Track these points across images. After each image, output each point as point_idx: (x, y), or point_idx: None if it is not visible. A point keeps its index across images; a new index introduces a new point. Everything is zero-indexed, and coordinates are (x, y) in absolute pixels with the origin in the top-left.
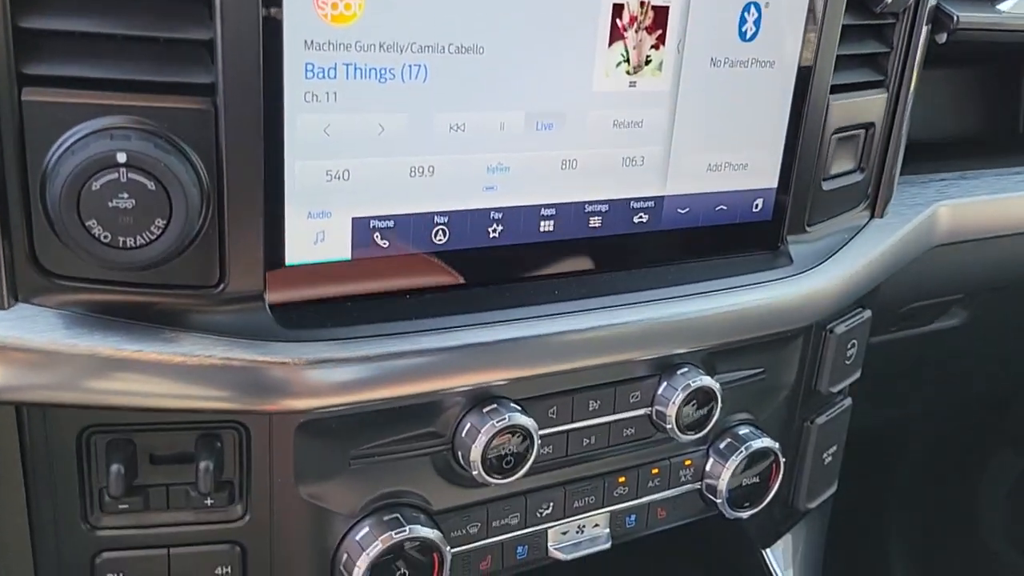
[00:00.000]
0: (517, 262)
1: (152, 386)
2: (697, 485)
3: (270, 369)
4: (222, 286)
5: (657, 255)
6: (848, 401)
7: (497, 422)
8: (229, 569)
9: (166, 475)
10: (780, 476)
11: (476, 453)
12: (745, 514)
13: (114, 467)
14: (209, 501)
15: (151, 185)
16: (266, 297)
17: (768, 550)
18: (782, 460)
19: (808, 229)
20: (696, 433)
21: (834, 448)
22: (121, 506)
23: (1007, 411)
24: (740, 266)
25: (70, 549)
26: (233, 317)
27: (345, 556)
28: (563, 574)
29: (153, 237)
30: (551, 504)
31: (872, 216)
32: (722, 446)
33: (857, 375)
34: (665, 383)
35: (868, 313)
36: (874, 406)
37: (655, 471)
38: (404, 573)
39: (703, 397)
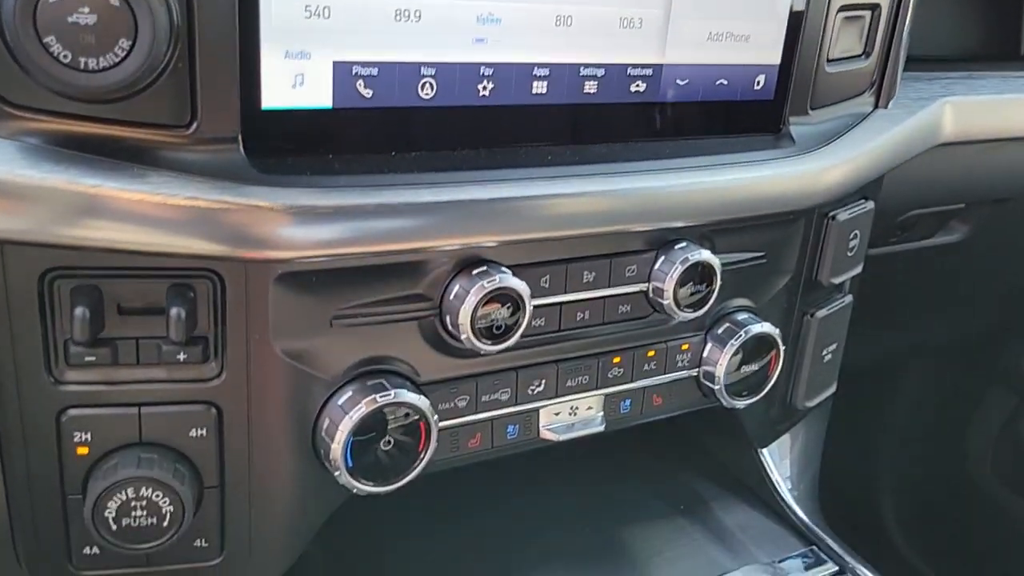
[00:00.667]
0: (508, 125)
1: (118, 224)
2: (694, 372)
3: (245, 213)
4: (194, 126)
5: (655, 129)
6: (849, 298)
7: (487, 283)
8: (204, 431)
9: (135, 327)
10: (780, 365)
11: (465, 316)
12: (742, 403)
13: (79, 310)
14: (182, 356)
15: (115, 0)
16: (240, 140)
17: (765, 450)
18: (782, 347)
19: (811, 112)
20: (694, 312)
21: (834, 346)
22: (88, 358)
23: (1002, 347)
24: (741, 145)
25: (34, 405)
26: (206, 157)
27: (327, 422)
28: (557, 469)
29: (117, 60)
30: (543, 382)
31: (877, 106)
32: (720, 331)
33: (858, 269)
34: (663, 258)
35: (871, 204)
36: (869, 339)
37: (651, 353)
38: (389, 442)
39: (702, 273)
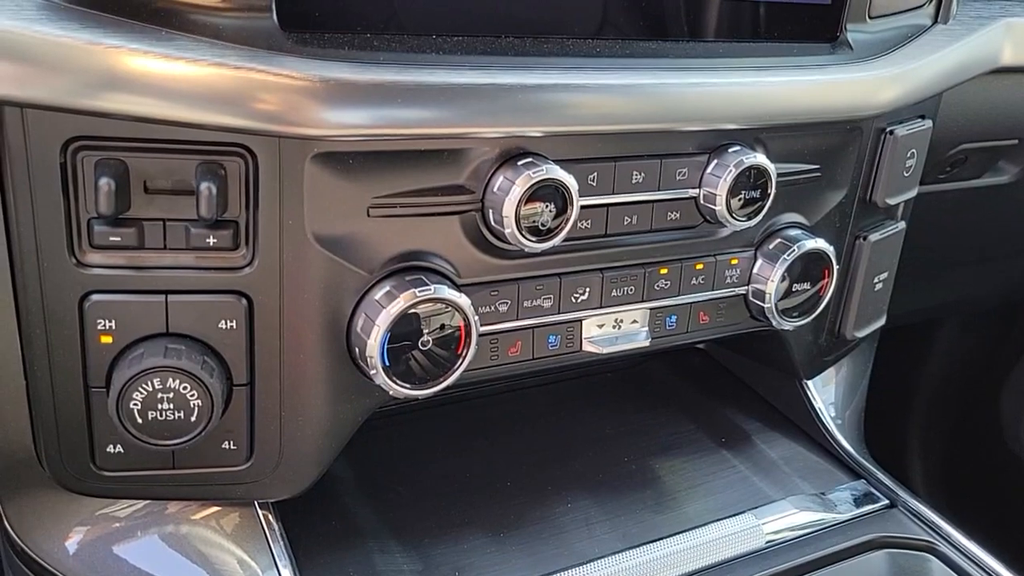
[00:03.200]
0: (557, 14)
1: (142, 89)
2: (743, 290)
3: (277, 84)
4: None
5: (709, 28)
6: (902, 225)
7: (533, 173)
8: (234, 324)
9: (163, 208)
10: (832, 284)
11: (510, 209)
12: (792, 324)
13: (103, 180)
14: (211, 240)
15: None
16: (274, 8)
17: (810, 383)
18: (835, 266)
19: (869, 20)
20: (747, 221)
21: (885, 275)
22: (112, 239)
23: None
24: (798, 49)
25: (56, 289)
26: (239, 23)
27: (362, 319)
28: (596, 398)
29: None
30: (587, 290)
31: (936, 21)
32: (771, 247)
33: (913, 192)
34: (715, 161)
35: (929, 123)
36: (906, 292)
37: (699, 266)
38: (427, 342)
39: (755, 180)
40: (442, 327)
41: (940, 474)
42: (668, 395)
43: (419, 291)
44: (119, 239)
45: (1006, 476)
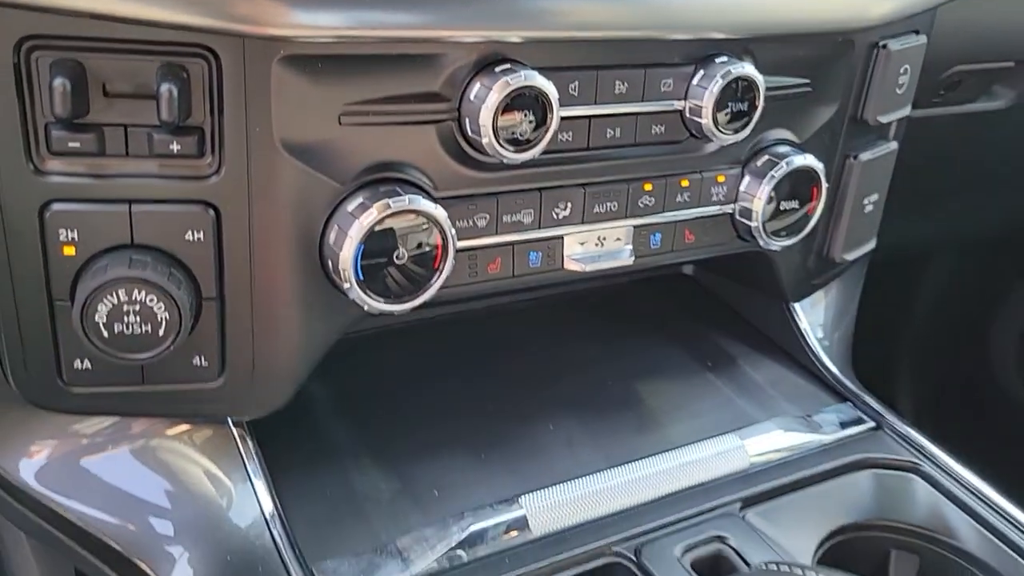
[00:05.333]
0: None
1: None
2: (729, 208)
3: None
4: None
5: None
6: (894, 145)
7: (511, 79)
8: (201, 235)
9: (123, 113)
10: (821, 203)
11: (487, 117)
12: (780, 244)
13: (58, 80)
14: (175, 147)
15: None
16: None
17: (797, 307)
18: (824, 184)
19: None
20: (734, 135)
21: (875, 196)
22: (71, 144)
23: None
24: None
25: (15, 197)
26: None
27: (335, 231)
28: (582, 323)
29: None
30: (568, 205)
31: None
32: (759, 163)
33: (906, 111)
34: (702, 72)
35: (923, 39)
36: (897, 224)
37: (684, 183)
38: (402, 256)
39: (743, 92)
40: (418, 242)
41: (929, 405)
42: (654, 320)
43: (393, 201)
44: (78, 145)
45: (994, 407)
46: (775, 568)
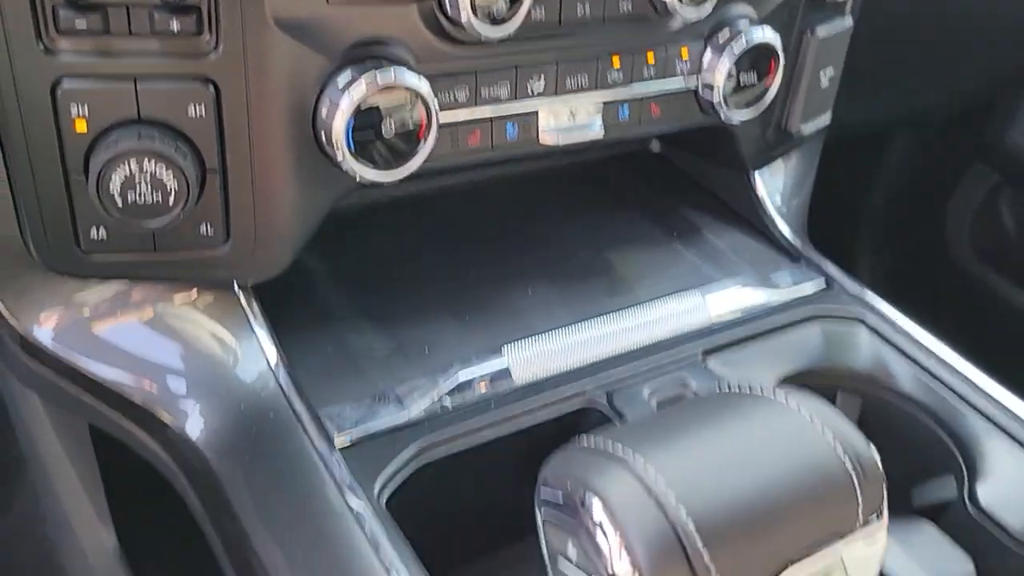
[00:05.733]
0: None
1: None
2: (693, 83)
3: None
4: None
5: None
6: (850, 21)
7: None
8: (203, 110)
9: None
10: (779, 77)
11: None
12: (740, 116)
13: None
14: (175, 26)
15: None
16: None
17: (757, 177)
18: (781, 58)
19: None
20: (696, 9)
21: (831, 70)
22: (78, 23)
23: (987, 122)
24: None
25: (28, 77)
26: None
27: (327, 104)
28: (553, 199)
29: None
30: (542, 78)
31: None
32: (720, 39)
33: None
34: None
35: None
36: (854, 104)
37: (650, 58)
38: (389, 130)
39: None
40: (404, 117)
41: (887, 281)
42: (625, 195)
43: (380, 74)
44: (84, 24)
45: (949, 284)
46: (737, 391)
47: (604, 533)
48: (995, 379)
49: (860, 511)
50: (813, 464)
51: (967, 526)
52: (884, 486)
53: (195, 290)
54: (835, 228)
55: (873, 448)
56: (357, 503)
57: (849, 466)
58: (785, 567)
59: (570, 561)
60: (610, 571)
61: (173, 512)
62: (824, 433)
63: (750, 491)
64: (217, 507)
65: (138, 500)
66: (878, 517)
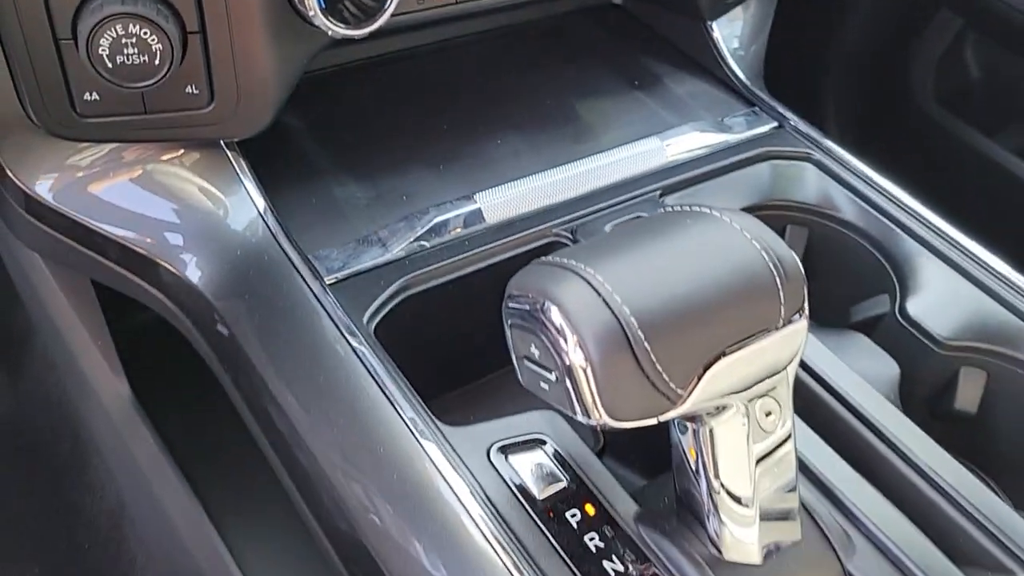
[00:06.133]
0: None
1: None
2: None
3: None
4: None
5: None
6: None
7: None
8: None
9: None
10: None
11: None
12: None
13: None
14: None
15: None
16: None
17: (715, 26)
18: None
19: None
20: None
21: None
22: None
23: None
24: None
25: None
26: None
27: None
28: (515, 53)
29: None
30: None
31: None
32: None
33: None
34: None
35: None
36: None
37: None
38: None
39: None
40: None
41: (851, 128)
42: (588, 49)
43: None
44: None
45: (913, 130)
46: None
47: (560, 333)
48: (955, 224)
49: (783, 309)
50: (741, 267)
51: (897, 335)
52: (804, 287)
53: (183, 149)
54: (799, 76)
55: (795, 254)
56: (349, 331)
57: (772, 268)
58: (718, 357)
59: (534, 360)
60: (567, 364)
61: (182, 361)
62: (752, 241)
63: (685, 291)
64: (222, 343)
65: (148, 354)
66: (800, 316)
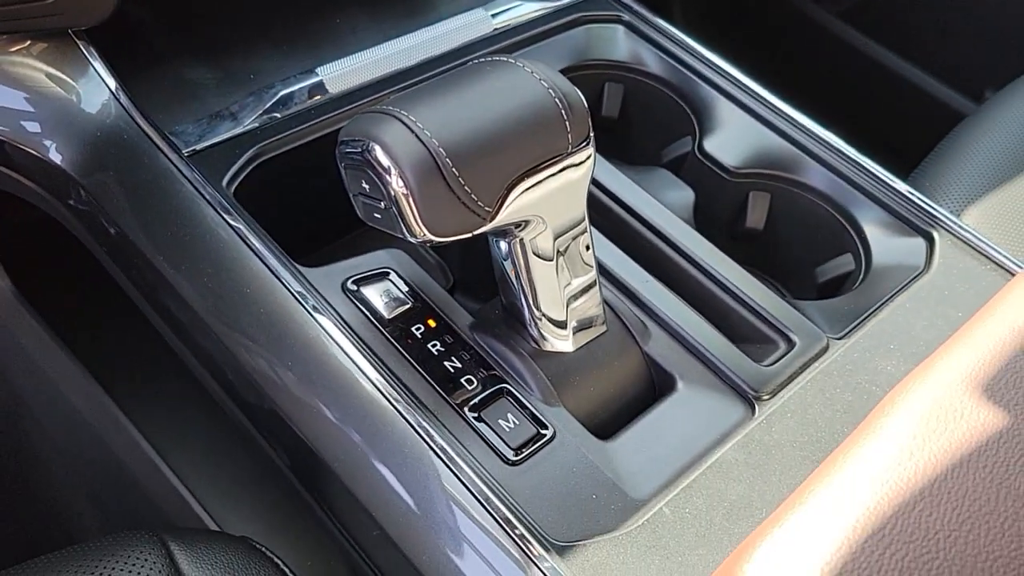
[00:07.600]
0: None
1: None
2: None
3: None
4: None
5: None
6: None
7: None
8: None
9: None
10: None
11: None
12: None
13: None
14: None
15: None
16: None
17: None
18: None
19: None
20: None
21: None
22: None
23: None
24: None
25: None
26: None
27: None
28: None
29: None
30: None
31: None
32: None
33: None
34: None
35: None
36: None
37: None
38: None
39: None
40: None
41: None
42: None
43: None
44: None
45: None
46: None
47: (384, 168)
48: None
49: (570, 137)
50: (533, 103)
51: (698, 170)
52: (588, 119)
53: (30, 40)
54: None
55: (579, 92)
56: (210, 195)
57: (558, 103)
58: (520, 179)
59: (366, 195)
60: (392, 193)
61: (60, 253)
62: (540, 81)
63: (487, 125)
64: (93, 219)
65: (29, 253)
66: (588, 144)
